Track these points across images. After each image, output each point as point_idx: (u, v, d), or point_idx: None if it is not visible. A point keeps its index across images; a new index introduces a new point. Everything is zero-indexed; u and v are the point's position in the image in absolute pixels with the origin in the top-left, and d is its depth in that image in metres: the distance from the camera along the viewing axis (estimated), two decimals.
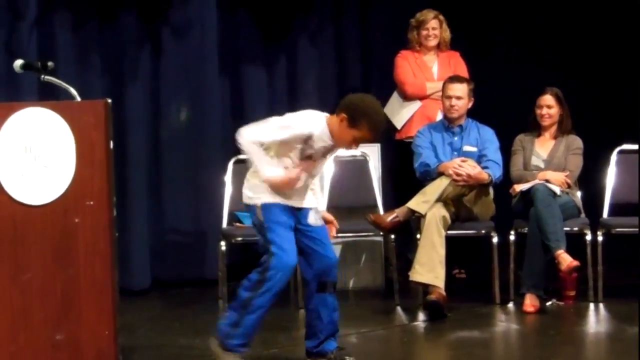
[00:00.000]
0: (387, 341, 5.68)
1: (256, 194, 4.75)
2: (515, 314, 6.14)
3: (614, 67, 7.47)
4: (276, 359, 5.18)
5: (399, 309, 6.30)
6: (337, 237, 6.56)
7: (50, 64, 4.70)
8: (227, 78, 7.28)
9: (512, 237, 6.38)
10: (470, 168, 6.25)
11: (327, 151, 4.78)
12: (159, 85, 7.09)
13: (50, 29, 6.73)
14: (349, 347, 5.05)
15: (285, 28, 7.43)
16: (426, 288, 6.09)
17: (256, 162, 4.70)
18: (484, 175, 6.30)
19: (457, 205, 6.31)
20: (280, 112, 7.24)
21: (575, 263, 6.01)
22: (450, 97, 6.48)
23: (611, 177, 6.75)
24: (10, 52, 6.48)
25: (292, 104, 7.35)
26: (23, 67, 4.76)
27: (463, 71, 6.89)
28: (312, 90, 7.46)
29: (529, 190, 6.27)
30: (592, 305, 6.29)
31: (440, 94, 6.62)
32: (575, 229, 6.37)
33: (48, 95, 5.80)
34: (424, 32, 6.97)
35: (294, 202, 4.78)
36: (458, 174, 6.23)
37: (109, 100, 4.52)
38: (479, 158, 6.42)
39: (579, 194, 6.58)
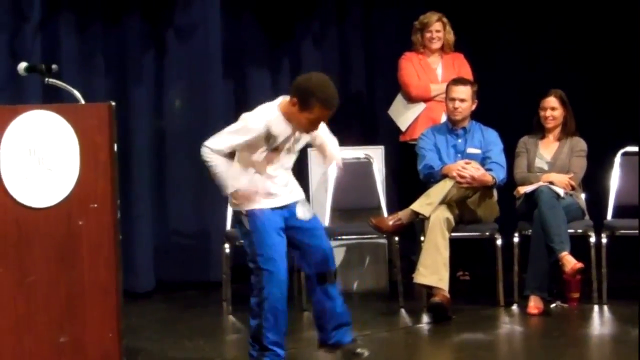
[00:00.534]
0: (391, 343, 5.68)
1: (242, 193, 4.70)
2: (519, 316, 6.14)
3: (618, 69, 7.45)
4: None
5: (403, 311, 6.30)
6: (341, 239, 6.61)
7: (54, 66, 4.70)
8: (231, 80, 7.29)
9: (516, 239, 6.37)
10: (474, 170, 6.25)
11: (291, 137, 4.68)
12: (163, 87, 7.10)
13: (54, 31, 6.73)
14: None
15: (289, 30, 7.43)
16: (430, 290, 6.08)
17: (216, 177, 4.67)
18: (488, 178, 6.29)
19: (461, 207, 6.30)
20: None
21: (579, 265, 6.00)
22: (453, 100, 6.48)
23: (615, 179, 6.74)
24: (14, 54, 6.49)
25: None
26: (27, 69, 4.77)
27: (467, 73, 6.89)
28: None
29: (532, 193, 6.26)
30: (596, 307, 6.28)
31: (444, 96, 6.62)
32: (579, 231, 6.37)
33: (52, 98, 5.80)
34: (428, 35, 6.97)
35: (278, 201, 4.73)
36: (462, 176, 6.23)
37: (113, 103, 4.53)
38: (483, 160, 6.41)
39: (582, 196, 6.57)
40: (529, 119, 6.69)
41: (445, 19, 6.99)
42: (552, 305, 6.24)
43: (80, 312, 4.44)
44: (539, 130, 6.65)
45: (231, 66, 7.25)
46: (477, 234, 6.46)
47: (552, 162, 6.57)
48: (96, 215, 4.45)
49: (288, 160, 4.77)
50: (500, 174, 6.37)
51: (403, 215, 6.23)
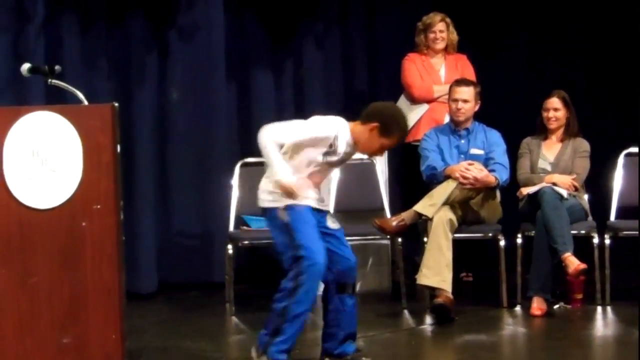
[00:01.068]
0: (394, 344, 5.68)
1: (277, 197, 4.72)
2: (522, 317, 6.14)
3: (620, 69, 7.45)
4: None
5: (406, 312, 6.30)
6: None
7: (57, 67, 4.70)
8: (234, 81, 7.29)
9: (519, 240, 6.36)
10: (477, 171, 6.25)
11: (346, 157, 4.82)
12: (166, 88, 7.10)
13: (57, 32, 6.74)
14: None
15: (292, 31, 7.43)
16: (433, 291, 6.08)
17: (271, 161, 4.65)
18: (491, 179, 6.29)
19: (464, 208, 6.30)
20: (287, 116, 7.31)
21: (583, 266, 6.00)
22: (456, 100, 6.48)
23: (618, 180, 6.73)
24: (17, 55, 6.49)
25: (299, 107, 7.37)
26: (30, 70, 4.78)
27: (470, 74, 6.89)
28: (319, 94, 7.46)
29: (536, 193, 6.26)
30: (599, 309, 6.27)
31: (447, 97, 6.62)
32: (583, 232, 6.36)
33: (55, 99, 5.81)
34: (431, 35, 6.97)
35: (314, 204, 4.79)
36: (465, 177, 6.23)
37: (116, 104, 4.53)
38: (486, 161, 6.41)
39: (586, 197, 6.57)
40: (532, 120, 6.69)
41: (448, 20, 6.99)
42: (555, 307, 6.24)
43: (83, 313, 4.44)
44: (542, 131, 6.65)
45: (234, 67, 7.25)
46: (480, 235, 6.45)
47: (555, 163, 6.56)
48: (99, 216, 4.45)
49: (327, 174, 4.92)
50: (503, 175, 6.37)
51: (406, 216, 6.23)
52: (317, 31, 7.51)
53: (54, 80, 4.69)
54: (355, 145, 4.78)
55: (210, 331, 5.95)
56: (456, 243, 6.19)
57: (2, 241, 4.33)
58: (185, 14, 7.10)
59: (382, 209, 6.73)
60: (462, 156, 6.47)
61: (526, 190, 6.38)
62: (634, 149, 6.71)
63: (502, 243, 6.32)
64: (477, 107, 6.53)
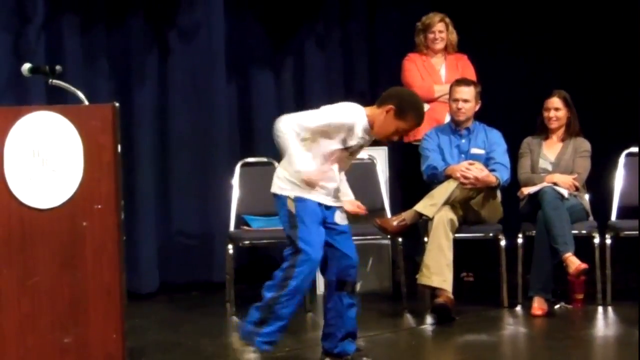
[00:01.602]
0: (394, 345, 5.68)
1: (290, 185, 4.73)
2: (523, 317, 6.14)
3: (622, 69, 7.45)
4: None
5: (406, 312, 6.30)
6: None
7: (58, 67, 4.70)
8: (234, 81, 7.29)
9: (520, 240, 6.37)
10: (477, 171, 6.25)
11: (365, 144, 4.80)
12: (167, 88, 7.10)
13: (58, 32, 6.74)
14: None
15: (292, 31, 7.44)
16: (434, 291, 6.08)
17: (291, 150, 4.63)
18: (492, 178, 6.29)
19: (465, 208, 6.30)
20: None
21: (584, 266, 6.00)
22: (457, 100, 6.48)
23: (619, 180, 6.74)
24: (18, 55, 6.50)
25: (300, 107, 7.34)
26: (31, 70, 4.77)
27: (471, 74, 6.89)
28: (319, 94, 7.45)
29: (536, 193, 6.26)
30: (600, 309, 6.28)
31: (448, 96, 6.62)
32: (584, 232, 6.37)
33: (56, 99, 5.81)
34: (431, 35, 6.98)
35: (325, 200, 4.78)
36: (466, 177, 6.23)
37: (117, 104, 4.52)
38: (487, 161, 6.41)
39: (587, 196, 6.57)
40: (532, 120, 6.69)
41: (447, 20, 6.99)
42: (556, 307, 6.24)
43: (83, 312, 4.44)
44: (543, 131, 6.65)
45: (235, 67, 7.25)
46: (481, 235, 6.46)
47: (556, 163, 6.56)
48: (100, 216, 4.45)
49: (347, 163, 4.87)
50: (504, 175, 6.37)
51: (407, 216, 6.23)
52: (318, 31, 7.51)
53: (54, 80, 4.68)
54: (372, 130, 4.77)
55: (211, 331, 5.95)
56: (457, 243, 6.19)
57: (3, 241, 4.32)
58: (185, 13, 7.10)
59: (383, 208, 6.73)
60: (463, 156, 6.47)
61: (527, 190, 6.38)
62: (635, 149, 6.72)
63: (502, 243, 6.32)
64: (477, 107, 6.53)
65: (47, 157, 4.36)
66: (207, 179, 7.13)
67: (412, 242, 6.56)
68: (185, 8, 7.09)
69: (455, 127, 6.56)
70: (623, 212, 6.68)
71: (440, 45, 6.99)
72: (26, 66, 4.78)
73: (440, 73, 7.01)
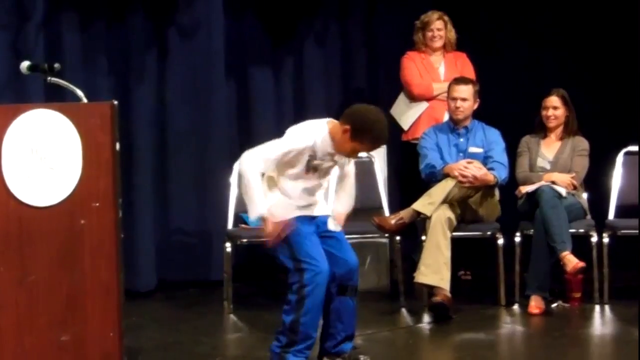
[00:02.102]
0: (392, 343, 5.69)
1: (273, 211, 4.70)
2: (520, 316, 6.14)
3: (620, 68, 7.45)
4: None
5: (404, 310, 6.30)
6: None
7: (56, 65, 4.70)
8: (233, 79, 7.29)
9: (517, 239, 6.37)
10: (476, 169, 6.25)
11: (331, 159, 4.77)
12: (166, 86, 7.10)
13: (57, 30, 6.73)
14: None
15: (291, 30, 7.43)
16: (431, 290, 6.08)
17: (251, 193, 4.63)
18: (490, 177, 6.29)
19: (463, 206, 6.30)
20: (287, 114, 7.32)
21: (581, 265, 6.00)
22: (455, 99, 6.48)
23: (617, 179, 6.74)
24: (16, 53, 6.49)
25: (299, 106, 7.37)
26: (30, 68, 4.77)
27: (470, 72, 6.89)
28: (318, 92, 7.47)
29: (534, 192, 6.26)
30: (597, 307, 6.28)
31: (446, 95, 6.62)
32: (581, 230, 6.37)
33: (54, 97, 5.81)
34: (429, 34, 6.97)
35: (309, 212, 4.79)
36: (464, 176, 6.23)
37: (115, 102, 4.53)
38: (485, 159, 6.41)
39: (584, 195, 6.57)
40: (531, 118, 6.69)
41: (446, 18, 6.99)
42: (554, 305, 6.25)
43: (81, 310, 4.44)
44: (541, 130, 6.65)
45: (234, 65, 7.25)
46: (478, 233, 6.46)
47: (554, 162, 6.57)
48: (98, 214, 4.46)
49: (322, 180, 4.83)
50: (502, 174, 6.37)
51: (405, 214, 6.24)
52: (317, 30, 7.51)
53: (53, 78, 4.69)
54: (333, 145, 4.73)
55: (209, 329, 5.96)
56: (455, 241, 6.19)
57: (1, 239, 4.32)
58: (185, 12, 7.09)
59: (381, 207, 6.73)
60: (461, 154, 6.47)
61: (525, 189, 6.38)
62: (634, 148, 6.71)
63: (500, 241, 6.33)
64: (476, 106, 6.54)
65: (45, 155, 4.36)
66: (205, 177, 7.13)
67: (410, 240, 6.57)
68: (184, 6, 7.08)
69: (453, 125, 6.56)
70: (621, 211, 6.68)
71: (438, 43, 6.99)
72: (25, 64, 4.79)
73: (439, 71, 7.01)
